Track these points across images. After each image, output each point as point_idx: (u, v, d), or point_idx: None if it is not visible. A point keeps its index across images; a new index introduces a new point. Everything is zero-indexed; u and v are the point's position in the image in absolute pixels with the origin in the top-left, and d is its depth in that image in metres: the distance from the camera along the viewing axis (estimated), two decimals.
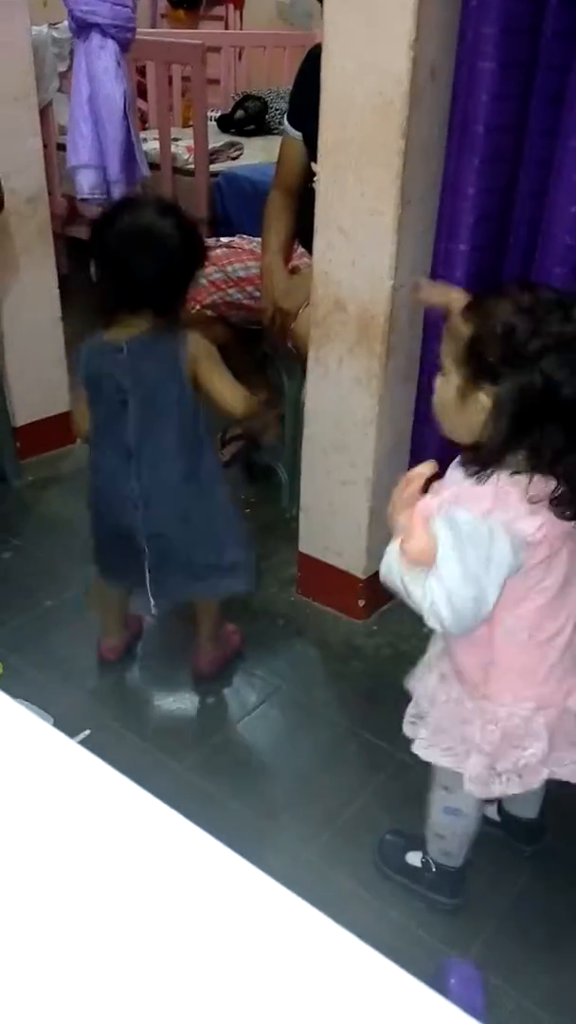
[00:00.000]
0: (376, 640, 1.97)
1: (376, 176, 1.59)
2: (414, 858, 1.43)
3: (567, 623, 1.16)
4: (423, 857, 1.42)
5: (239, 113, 4.12)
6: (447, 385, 1.07)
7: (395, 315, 1.70)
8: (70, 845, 0.59)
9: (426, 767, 1.29)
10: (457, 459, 1.11)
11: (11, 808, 0.61)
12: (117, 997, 0.50)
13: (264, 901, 0.55)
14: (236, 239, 2.40)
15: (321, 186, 1.68)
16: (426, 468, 1.09)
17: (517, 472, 1.04)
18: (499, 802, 1.49)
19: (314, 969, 0.52)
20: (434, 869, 1.41)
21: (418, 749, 1.26)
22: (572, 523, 1.07)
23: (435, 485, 1.10)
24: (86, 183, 2.60)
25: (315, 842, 1.50)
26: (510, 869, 1.47)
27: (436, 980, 1.19)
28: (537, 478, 1.03)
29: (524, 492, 1.03)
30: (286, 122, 2.19)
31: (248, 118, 4.11)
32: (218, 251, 2.31)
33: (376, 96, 1.53)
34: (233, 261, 2.29)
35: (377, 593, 1.87)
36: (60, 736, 0.68)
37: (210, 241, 2.43)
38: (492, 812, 1.49)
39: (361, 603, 2.00)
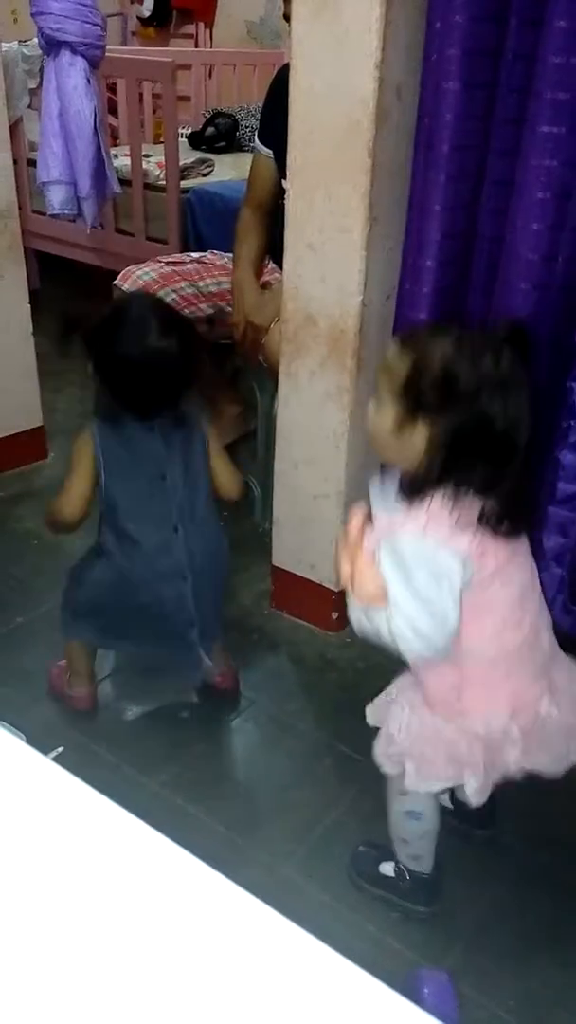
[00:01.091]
0: (350, 652, 1.98)
1: (344, 194, 1.61)
2: (387, 868, 1.44)
3: (529, 630, 1.18)
4: (396, 867, 1.42)
5: (210, 130, 4.13)
6: (382, 415, 1.11)
7: (365, 329, 1.72)
8: (43, 862, 0.59)
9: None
10: (375, 480, 1.14)
11: None
12: (87, 1009, 0.50)
13: (238, 914, 0.56)
14: (207, 255, 2.42)
15: (290, 203, 1.70)
16: (358, 515, 1.10)
17: (447, 495, 1.07)
18: (451, 790, 1.49)
19: (289, 981, 0.52)
20: (408, 878, 1.41)
21: (410, 784, 1.26)
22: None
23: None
24: (56, 199, 2.61)
25: (290, 856, 1.49)
26: (485, 879, 1.48)
27: (409, 990, 1.20)
28: (466, 500, 1.07)
29: (453, 514, 1.07)
30: (256, 140, 2.21)
31: (219, 135, 4.12)
32: (189, 266, 2.33)
33: (343, 116, 1.56)
34: (205, 276, 2.30)
35: None
36: (33, 752, 0.68)
37: (182, 256, 2.45)
38: (445, 800, 1.50)
39: (335, 616, 2.00)
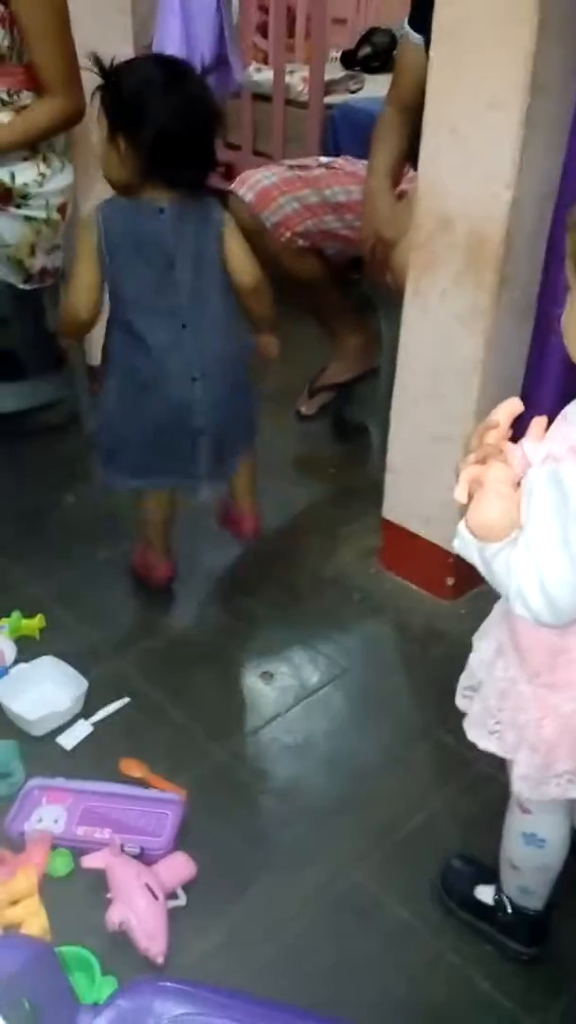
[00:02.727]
0: (464, 626, 1.68)
1: (500, 59, 1.30)
2: (485, 893, 1.19)
3: None
4: (496, 894, 1.17)
5: (364, 50, 3.83)
6: (569, 304, 0.87)
7: (512, 237, 1.41)
8: None
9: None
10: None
11: None
12: None
13: None
14: (338, 160, 2.15)
15: (432, 75, 1.41)
16: (511, 406, 0.85)
17: None
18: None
19: None
20: (510, 910, 1.15)
21: (467, 726, 1.08)
22: None
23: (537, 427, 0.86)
24: None
25: (367, 858, 1.27)
26: None
27: None
28: None
29: None
30: (406, 25, 1.91)
31: (374, 54, 3.82)
32: (316, 171, 2.07)
33: None
34: (332, 183, 2.04)
35: (470, 571, 1.60)
36: None
37: (309, 161, 2.20)
38: None
39: (450, 582, 1.74)
